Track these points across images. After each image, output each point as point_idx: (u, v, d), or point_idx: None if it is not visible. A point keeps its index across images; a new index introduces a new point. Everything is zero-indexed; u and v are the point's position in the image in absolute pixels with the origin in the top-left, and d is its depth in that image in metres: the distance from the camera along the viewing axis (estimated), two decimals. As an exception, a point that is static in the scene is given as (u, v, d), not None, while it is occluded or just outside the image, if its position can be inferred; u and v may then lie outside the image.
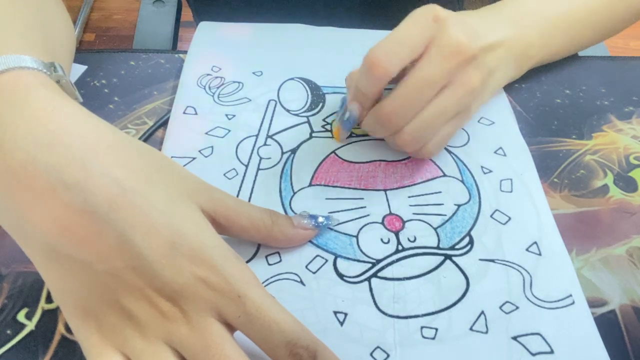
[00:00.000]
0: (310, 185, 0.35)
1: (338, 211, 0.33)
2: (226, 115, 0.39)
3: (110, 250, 0.22)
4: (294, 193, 0.34)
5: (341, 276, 0.30)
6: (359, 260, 0.31)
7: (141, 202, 0.23)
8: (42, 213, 0.22)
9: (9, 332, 0.28)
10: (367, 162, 0.36)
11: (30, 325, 0.28)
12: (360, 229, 0.32)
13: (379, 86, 0.32)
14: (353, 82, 0.34)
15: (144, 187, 0.23)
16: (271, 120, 0.39)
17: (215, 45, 0.44)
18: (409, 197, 0.34)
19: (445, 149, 0.37)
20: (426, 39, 0.31)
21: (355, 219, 0.33)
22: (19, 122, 0.22)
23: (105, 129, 0.24)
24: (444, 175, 0.36)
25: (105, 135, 0.24)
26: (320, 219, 0.31)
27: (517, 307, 0.29)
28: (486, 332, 0.28)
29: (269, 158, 0.36)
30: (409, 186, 0.35)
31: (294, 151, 0.37)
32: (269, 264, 0.30)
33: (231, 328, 0.24)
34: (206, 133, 0.37)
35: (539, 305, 0.29)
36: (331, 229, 0.32)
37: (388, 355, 0.27)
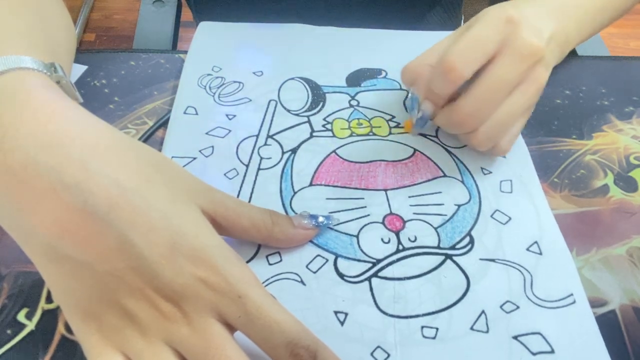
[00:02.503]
0: (310, 185, 0.35)
1: (338, 211, 0.33)
2: (226, 115, 0.39)
3: (110, 250, 0.22)
4: (295, 193, 0.34)
5: (342, 276, 0.30)
6: (359, 260, 0.31)
7: (141, 203, 0.23)
8: (42, 213, 0.22)
9: (9, 332, 0.28)
10: (367, 162, 0.36)
11: (30, 325, 0.28)
12: (361, 228, 0.32)
13: (454, 88, 0.32)
14: (415, 77, 0.35)
15: (144, 188, 0.23)
16: (272, 120, 0.39)
17: (215, 45, 0.44)
18: (410, 197, 0.34)
19: (446, 149, 0.37)
20: (500, 40, 0.32)
21: (356, 218, 0.33)
22: (19, 123, 0.22)
23: (105, 130, 0.24)
24: (444, 175, 0.36)
25: (105, 136, 0.24)
26: (321, 219, 0.31)
27: (518, 307, 0.29)
28: (487, 332, 0.28)
29: (270, 158, 0.36)
30: (409, 186, 0.35)
31: (294, 151, 0.37)
32: (270, 264, 0.30)
33: (231, 328, 0.24)
34: (207, 133, 0.37)
35: (539, 305, 0.29)
36: (331, 229, 0.32)
37: (389, 355, 0.27)
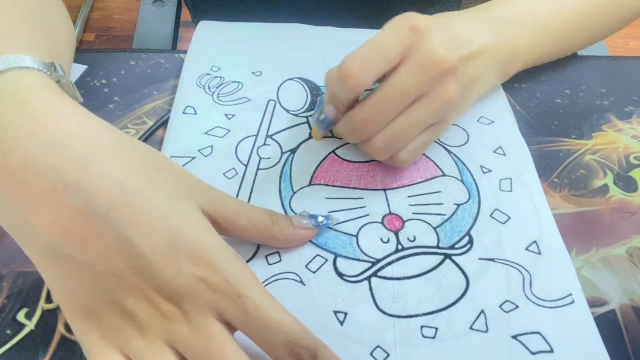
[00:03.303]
0: (310, 185, 0.35)
1: (338, 211, 0.33)
2: (226, 115, 0.39)
3: (110, 250, 0.22)
4: (294, 193, 0.34)
5: (341, 276, 0.30)
6: (359, 260, 0.31)
7: (141, 202, 0.23)
8: (42, 213, 0.22)
9: (9, 332, 0.28)
10: (367, 161, 0.36)
11: (30, 325, 0.28)
12: (360, 228, 0.32)
13: (353, 95, 0.31)
14: (330, 83, 0.33)
15: (144, 187, 0.23)
16: (271, 121, 0.39)
17: (215, 45, 0.44)
18: (409, 196, 0.34)
19: (445, 148, 0.37)
20: (403, 49, 0.30)
21: (355, 218, 0.33)
22: (19, 122, 0.22)
23: (106, 129, 0.24)
24: (444, 175, 0.36)
25: (105, 136, 0.24)
26: (320, 219, 0.31)
27: (517, 307, 0.29)
28: (486, 332, 0.28)
29: (269, 158, 0.36)
30: (408, 186, 0.35)
31: (293, 151, 0.37)
32: (269, 264, 0.30)
33: (232, 328, 0.24)
34: (206, 133, 0.37)
35: (539, 305, 0.29)
36: (331, 229, 0.32)
37: (388, 355, 0.27)
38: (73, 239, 0.22)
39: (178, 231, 0.23)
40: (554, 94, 0.43)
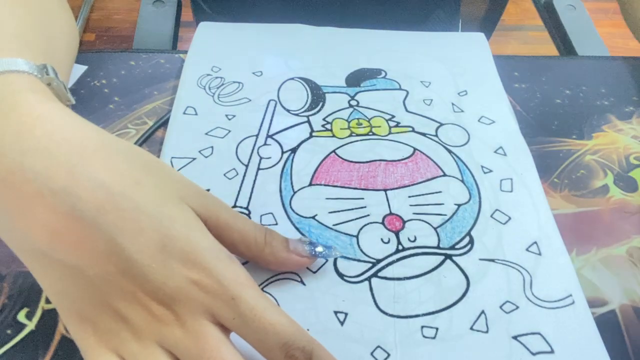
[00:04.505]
0: (310, 185, 0.35)
1: (338, 211, 0.33)
2: (226, 115, 0.39)
3: (100, 254, 0.22)
4: (294, 193, 0.34)
5: (341, 276, 0.30)
6: (359, 260, 0.31)
7: (129, 206, 0.23)
8: (31, 218, 0.22)
9: (9, 332, 0.28)
10: (367, 161, 0.36)
11: (31, 325, 0.28)
12: (361, 228, 0.32)
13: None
14: None
15: (131, 191, 0.23)
16: (271, 120, 0.39)
17: (215, 45, 0.44)
18: (409, 196, 0.34)
19: (446, 148, 0.37)
20: None
21: (356, 219, 0.33)
22: (6, 127, 0.22)
23: (92, 133, 0.24)
24: (444, 174, 0.36)
25: (92, 139, 0.23)
26: (320, 249, 0.29)
27: (518, 307, 0.29)
28: (486, 332, 0.28)
29: (269, 158, 0.36)
30: (409, 186, 0.35)
31: (294, 151, 0.37)
32: (269, 264, 0.30)
33: (226, 330, 0.24)
34: (206, 133, 0.37)
35: (539, 305, 0.29)
36: (331, 229, 0.32)
37: (389, 355, 0.27)
38: (62, 243, 0.22)
39: (168, 233, 0.23)
40: (554, 94, 0.43)
